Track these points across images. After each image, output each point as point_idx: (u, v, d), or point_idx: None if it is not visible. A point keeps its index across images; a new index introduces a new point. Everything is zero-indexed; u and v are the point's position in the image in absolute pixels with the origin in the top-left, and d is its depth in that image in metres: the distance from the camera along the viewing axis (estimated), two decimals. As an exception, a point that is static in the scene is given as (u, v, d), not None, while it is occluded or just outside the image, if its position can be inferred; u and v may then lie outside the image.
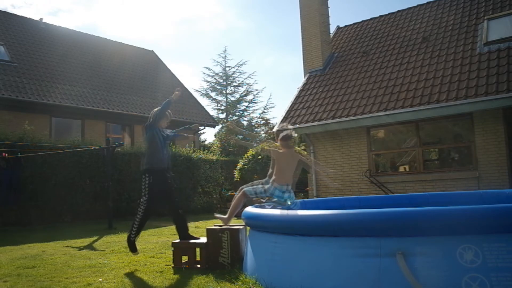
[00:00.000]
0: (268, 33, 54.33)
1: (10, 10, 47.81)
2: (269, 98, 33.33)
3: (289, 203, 4.62)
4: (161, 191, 5.11)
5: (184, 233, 5.09)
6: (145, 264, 4.98)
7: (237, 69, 29.46)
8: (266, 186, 4.65)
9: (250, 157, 12.95)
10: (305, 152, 12.55)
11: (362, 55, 13.54)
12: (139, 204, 5.13)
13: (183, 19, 56.01)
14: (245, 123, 28.82)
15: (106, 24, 54.24)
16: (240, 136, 26.50)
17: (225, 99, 29.51)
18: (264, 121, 29.06)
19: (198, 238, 5.06)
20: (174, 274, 4.43)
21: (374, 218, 3.12)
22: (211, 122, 20.77)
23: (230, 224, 4.85)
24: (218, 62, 29.49)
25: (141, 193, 5.13)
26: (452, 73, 10.44)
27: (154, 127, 5.23)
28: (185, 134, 6.02)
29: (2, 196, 8.96)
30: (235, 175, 13.02)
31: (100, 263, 5.09)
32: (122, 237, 7.77)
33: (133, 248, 5.17)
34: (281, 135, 4.81)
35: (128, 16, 54.07)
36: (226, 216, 4.83)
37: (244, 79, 29.60)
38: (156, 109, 5.41)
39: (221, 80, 29.44)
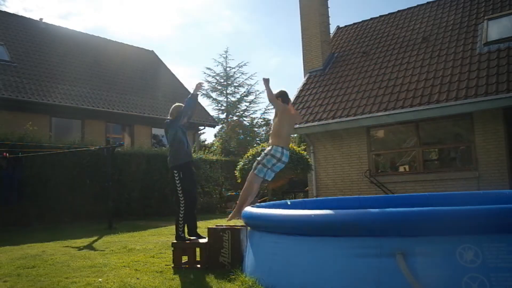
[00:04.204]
0: (274, 35, 54.53)
1: (22, 13, 48.06)
2: (271, 99, 33.38)
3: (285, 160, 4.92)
4: (191, 183, 5.25)
5: (192, 231, 5.23)
6: (145, 264, 4.98)
7: (237, 70, 29.50)
8: (271, 150, 4.85)
9: (250, 157, 12.93)
10: (305, 152, 12.55)
11: (362, 55, 13.54)
12: (177, 202, 5.17)
13: (191, 22, 56.21)
14: (246, 123, 28.85)
15: (116, 26, 54.45)
16: (241, 137, 26.55)
17: (225, 99, 29.54)
18: (265, 122, 29.08)
19: (203, 238, 5.08)
20: (174, 274, 4.43)
21: (374, 218, 3.13)
22: (211, 122, 20.77)
23: (231, 224, 4.86)
24: (219, 62, 29.51)
25: (176, 190, 5.17)
26: (452, 73, 10.45)
27: (177, 123, 5.25)
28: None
29: (3, 195, 8.96)
30: (236, 176, 12.99)
31: (100, 263, 5.08)
32: (122, 237, 7.77)
33: (187, 239, 5.14)
34: (279, 91, 5.10)
35: (137, 19, 54.29)
36: (234, 210, 4.93)
37: (245, 79, 29.67)
38: (176, 104, 5.44)
39: (222, 80, 29.46)
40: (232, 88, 29.61)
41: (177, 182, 5.10)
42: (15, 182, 9.10)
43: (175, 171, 5.12)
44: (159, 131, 18.41)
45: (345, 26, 16.45)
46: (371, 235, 3.09)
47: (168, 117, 5.48)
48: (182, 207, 5.12)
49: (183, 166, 5.17)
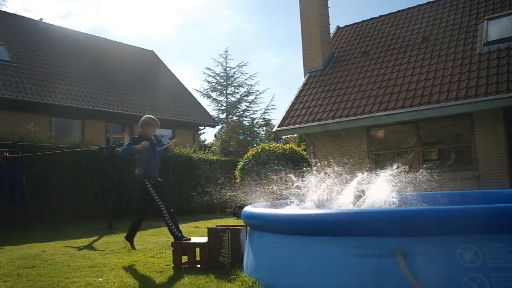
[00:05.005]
0: (274, 35, 54.66)
1: (22, 13, 48.16)
2: (271, 100, 33.51)
3: None
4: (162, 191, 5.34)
5: (131, 234, 5.42)
6: (145, 264, 4.98)
7: (237, 70, 29.53)
8: None
9: (250, 157, 12.93)
10: (305, 152, 12.55)
11: (362, 55, 13.54)
12: (157, 209, 5.29)
13: (191, 22, 56.29)
14: (246, 123, 28.87)
15: (116, 26, 54.54)
16: (241, 137, 26.57)
17: (225, 99, 29.55)
18: (264, 122, 29.10)
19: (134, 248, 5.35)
20: (174, 274, 4.43)
21: (374, 218, 3.13)
22: (211, 122, 20.77)
23: (231, 224, 4.86)
24: (219, 62, 29.53)
25: (152, 199, 5.27)
26: (452, 73, 10.44)
27: (140, 141, 5.36)
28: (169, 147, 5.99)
29: (6, 195, 8.96)
30: (236, 175, 13.00)
31: (100, 263, 5.08)
32: (122, 237, 7.76)
33: (186, 239, 5.23)
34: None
35: (137, 19, 54.35)
36: None
37: (245, 79, 29.69)
38: (144, 118, 5.58)
39: (222, 80, 29.47)
40: (232, 88, 29.63)
41: (151, 190, 5.22)
42: (19, 182, 9.11)
43: (145, 180, 5.23)
44: (159, 131, 18.40)
45: (345, 26, 16.45)
46: (371, 235, 3.09)
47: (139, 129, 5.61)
48: (164, 210, 5.23)
49: (153, 177, 5.30)
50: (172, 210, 5.34)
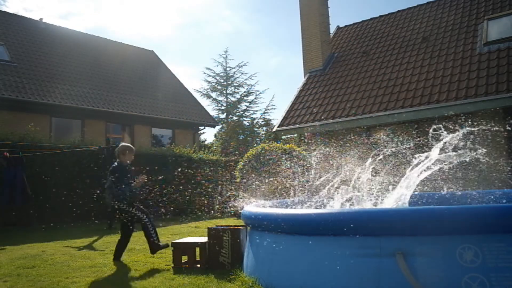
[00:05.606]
0: (274, 35, 54.64)
1: (22, 13, 48.17)
2: (271, 100, 33.55)
3: None
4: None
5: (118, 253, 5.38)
6: (145, 264, 4.98)
7: (237, 70, 29.53)
8: None
9: (250, 157, 12.91)
10: (305, 152, 12.54)
11: (362, 55, 13.54)
12: (140, 220, 5.33)
13: (191, 22, 56.26)
14: (246, 123, 28.87)
15: (116, 26, 54.52)
16: (241, 137, 26.58)
17: (225, 99, 29.55)
18: (265, 122, 29.09)
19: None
20: (174, 274, 4.43)
21: (374, 218, 3.12)
22: (211, 122, 20.77)
23: (231, 224, 4.86)
24: (219, 62, 29.52)
25: (133, 217, 5.29)
26: (452, 73, 10.44)
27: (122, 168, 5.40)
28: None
29: (6, 195, 8.95)
30: (236, 175, 12.98)
31: (100, 263, 5.09)
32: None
33: (163, 246, 5.39)
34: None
35: (137, 19, 54.33)
36: None
37: (245, 79, 29.70)
38: (122, 145, 5.55)
39: (222, 80, 29.47)
40: (232, 88, 29.63)
41: (130, 207, 5.25)
42: (19, 182, 9.11)
43: (124, 201, 5.23)
44: (159, 131, 18.43)
45: (345, 26, 16.45)
46: (371, 235, 3.08)
47: (116, 154, 5.61)
48: (146, 220, 5.28)
49: (124, 198, 5.28)
50: (151, 216, 5.44)
